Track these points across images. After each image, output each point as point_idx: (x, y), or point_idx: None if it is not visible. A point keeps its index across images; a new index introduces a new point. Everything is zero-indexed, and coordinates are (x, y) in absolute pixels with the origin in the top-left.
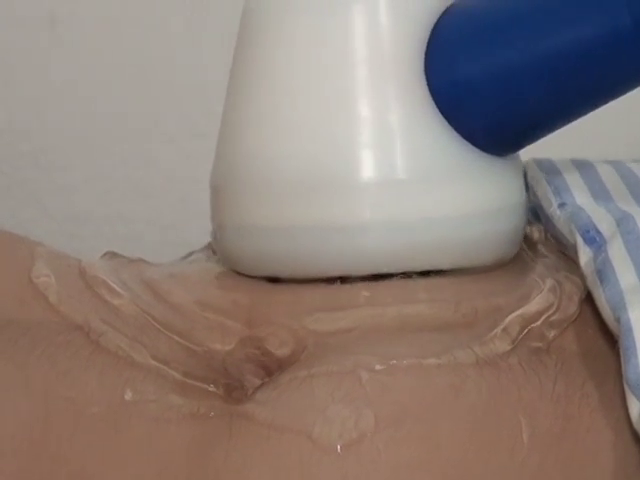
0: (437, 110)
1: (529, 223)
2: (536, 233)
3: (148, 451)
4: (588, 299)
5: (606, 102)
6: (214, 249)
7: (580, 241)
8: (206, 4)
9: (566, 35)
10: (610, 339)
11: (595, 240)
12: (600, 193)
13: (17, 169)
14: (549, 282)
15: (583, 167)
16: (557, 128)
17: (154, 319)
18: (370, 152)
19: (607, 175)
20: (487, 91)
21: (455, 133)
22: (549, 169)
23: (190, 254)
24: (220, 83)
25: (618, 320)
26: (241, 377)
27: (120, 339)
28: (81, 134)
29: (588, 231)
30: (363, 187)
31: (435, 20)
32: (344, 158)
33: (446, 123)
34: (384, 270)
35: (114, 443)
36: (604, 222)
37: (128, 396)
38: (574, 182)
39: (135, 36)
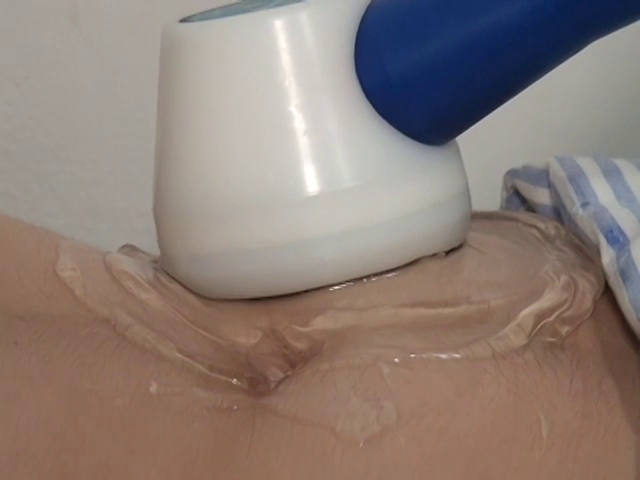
0: (373, 111)
1: (544, 220)
2: (552, 230)
3: (173, 445)
4: (603, 298)
5: (536, 79)
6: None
7: (603, 241)
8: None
9: (490, 18)
10: (627, 338)
11: (618, 240)
12: (623, 192)
13: (37, 163)
14: (563, 278)
15: (605, 165)
16: (493, 109)
17: (181, 313)
18: (310, 165)
19: (630, 174)
20: (419, 82)
21: (395, 131)
22: (571, 168)
23: None
24: None
25: None
26: (265, 370)
27: (147, 332)
28: (100, 129)
29: (611, 231)
30: (311, 201)
31: (357, 18)
32: (285, 175)
33: (384, 123)
34: (343, 279)
35: (138, 436)
36: (627, 222)
37: (153, 389)
38: (596, 181)
39: (156, 32)
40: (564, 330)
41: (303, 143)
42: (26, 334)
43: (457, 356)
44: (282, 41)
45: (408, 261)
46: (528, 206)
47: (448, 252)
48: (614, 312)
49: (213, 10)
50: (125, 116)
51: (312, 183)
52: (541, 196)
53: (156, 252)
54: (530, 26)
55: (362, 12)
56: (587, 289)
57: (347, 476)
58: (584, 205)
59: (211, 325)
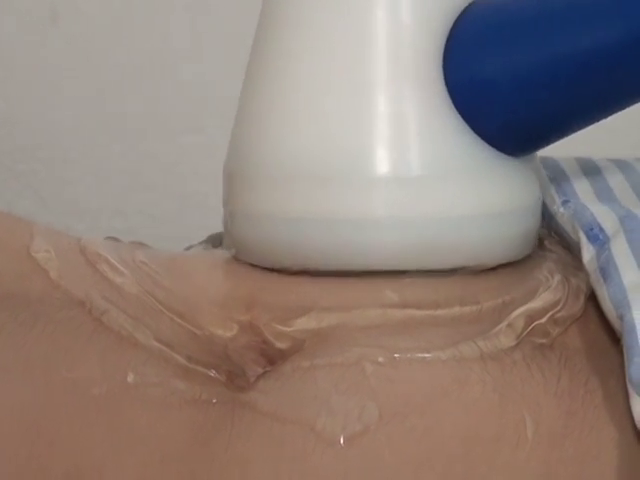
0: (453, 108)
1: None
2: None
3: (150, 436)
4: (591, 296)
5: (624, 107)
6: (221, 238)
7: (583, 239)
8: (207, 1)
9: (588, 37)
10: (613, 336)
11: (598, 238)
12: (603, 191)
13: (15, 162)
14: (557, 278)
15: (587, 165)
16: (574, 131)
17: (157, 300)
18: (385, 147)
19: (611, 173)
20: (505, 90)
21: (470, 132)
22: (552, 167)
23: (189, 247)
24: (219, 78)
25: (621, 318)
26: (243, 364)
27: (123, 318)
28: (79, 128)
29: (591, 229)
30: (376, 182)
31: (456, 17)
32: (358, 151)
33: (462, 121)
34: (393, 267)
35: (114, 427)
36: (607, 220)
37: (130, 378)
38: (577, 180)
39: (135, 32)
40: (555, 331)
41: (380, 122)
42: (1, 315)
43: (443, 356)
44: (379, 19)
45: (456, 266)
46: None
47: None
48: (600, 310)
49: None
50: (104, 116)
51: (381, 164)
52: None
53: None
54: (624, 47)
55: (463, 5)
56: (580, 288)
57: (327, 475)
58: (565, 203)
59: (187, 312)
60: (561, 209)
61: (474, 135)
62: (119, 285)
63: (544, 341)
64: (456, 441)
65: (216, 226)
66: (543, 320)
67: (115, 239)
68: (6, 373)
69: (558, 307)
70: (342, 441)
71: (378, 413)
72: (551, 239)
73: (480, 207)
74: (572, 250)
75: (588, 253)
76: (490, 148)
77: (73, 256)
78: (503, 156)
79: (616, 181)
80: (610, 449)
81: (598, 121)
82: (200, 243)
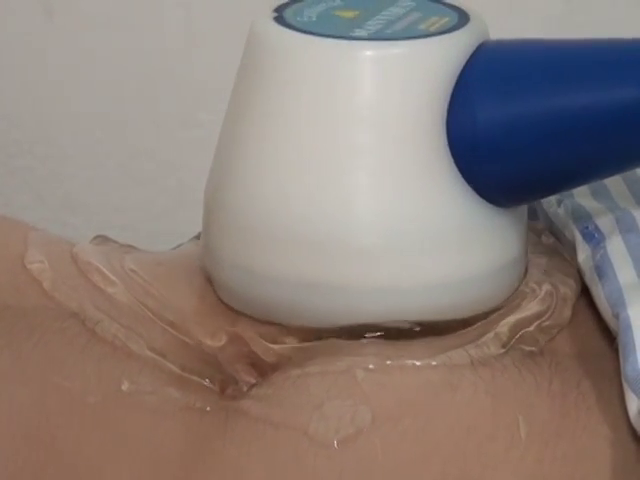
0: (453, 166)
1: None
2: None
3: (144, 443)
4: (581, 299)
5: (624, 170)
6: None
7: (579, 237)
8: None
9: (590, 98)
10: (604, 338)
11: (594, 236)
12: (599, 190)
13: (11, 157)
14: (545, 288)
15: None
16: (575, 186)
17: (148, 309)
18: (367, 212)
19: None
20: (508, 145)
21: (468, 191)
22: None
23: (179, 246)
24: (215, 73)
25: (617, 317)
26: (235, 374)
27: (116, 328)
28: (76, 123)
29: (587, 227)
30: (354, 250)
31: (457, 68)
32: (338, 216)
33: (461, 180)
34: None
35: (110, 434)
36: (603, 219)
37: (125, 387)
38: None
39: (131, 26)
40: (543, 339)
41: (367, 184)
42: None
43: (434, 363)
44: (367, 76)
45: (447, 319)
46: None
47: None
48: (592, 313)
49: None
50: (101, 111)
51: (364, 232)
52: None
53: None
54: (621, 111)
55: (465, 58)
56: (568, 296)
57: (320, 478)
58: (560, 202)
59: (177, 322)
60: (556, 208)
61: (472, 194)
62: (111, 295)
63: (533, 349)
64: (450, 442)
65: None
66: (531, 328)
67: (105, 238)
68: (3, 381)
69: (545, 316)
70: (336, 444)
71: (371, 416)
72: (538, 243)
73: (471, 270)
74: (561, 252)
75: (583, 252)
76: (486, 206)
77: (66, 266)
78: (496, 210)
79: (612, 180)
80: (604, 449)
81: (605, 177)
82: (190, 240)
